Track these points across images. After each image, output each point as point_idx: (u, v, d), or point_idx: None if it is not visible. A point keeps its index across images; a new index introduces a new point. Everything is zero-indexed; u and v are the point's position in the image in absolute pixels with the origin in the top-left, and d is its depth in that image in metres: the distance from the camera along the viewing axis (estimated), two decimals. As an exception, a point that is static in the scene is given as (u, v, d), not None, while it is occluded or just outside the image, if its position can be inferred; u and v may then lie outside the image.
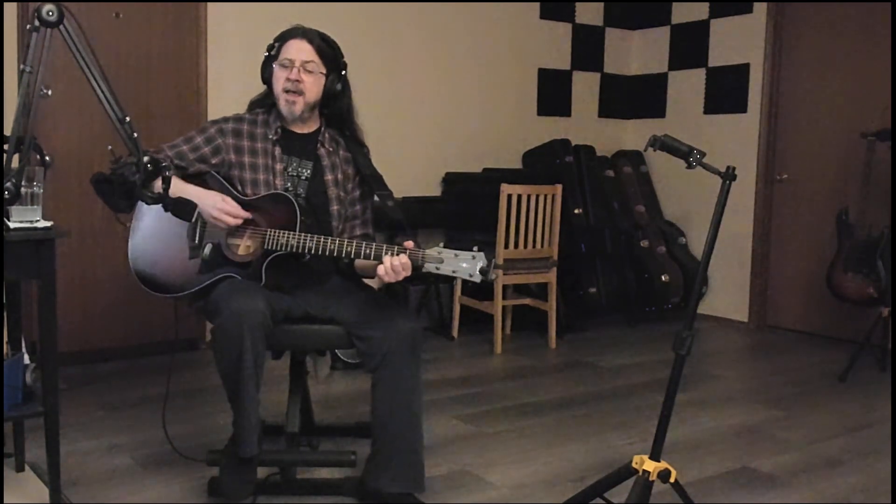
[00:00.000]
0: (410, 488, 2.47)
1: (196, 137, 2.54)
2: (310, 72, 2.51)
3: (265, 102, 2.64)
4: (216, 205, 2.37)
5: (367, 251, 2.30)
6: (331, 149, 2.62)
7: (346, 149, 2.65)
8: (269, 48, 2.57)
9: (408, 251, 2.24)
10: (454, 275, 2.19)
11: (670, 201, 6.01)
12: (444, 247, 2.22)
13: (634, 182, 5.95)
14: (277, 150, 2.56)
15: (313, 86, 2.52)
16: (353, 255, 2.33)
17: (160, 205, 2.08)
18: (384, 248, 2.27)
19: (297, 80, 2.49)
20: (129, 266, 2.52)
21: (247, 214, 2.42)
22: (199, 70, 4.40)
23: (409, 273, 2.24)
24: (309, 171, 2.58)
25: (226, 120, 2.60)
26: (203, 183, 2.50)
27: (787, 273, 5.42)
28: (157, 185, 2.11)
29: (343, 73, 2.58)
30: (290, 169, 2.57)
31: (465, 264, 2.17)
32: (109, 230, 4.05)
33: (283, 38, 2.55)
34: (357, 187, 2.66)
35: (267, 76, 2.57)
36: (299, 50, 2.51)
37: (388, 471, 2.45)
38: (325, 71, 2.53)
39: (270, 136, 2.57)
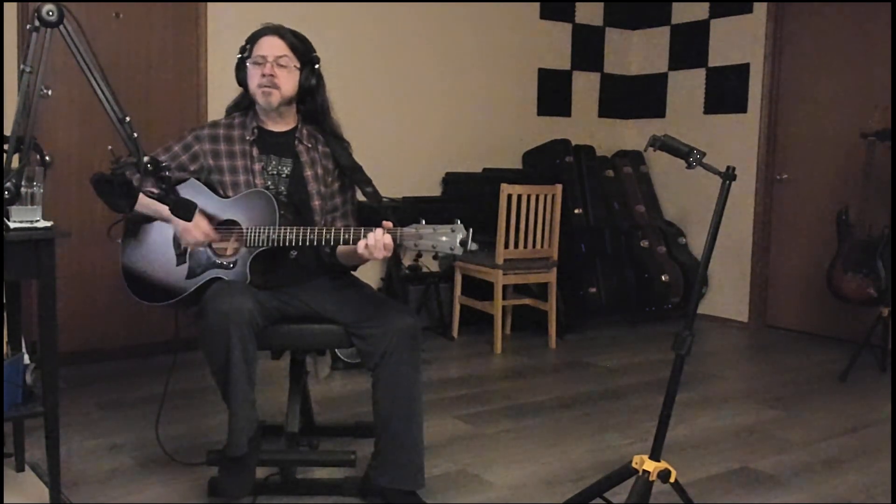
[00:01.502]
0: (411, 485, 2.48)
1: (174, 146, 2.57)
2: (283, 66, 2.52)
3: (241, 105, 2.66)
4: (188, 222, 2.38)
5: (346, 236, 2.29)
6: (309, 145, 2.63)
7: (325, 144, 2.66)
8: (242, 50, 2.59)
9: (385, 230, 2.23)
10: (434, 250, 2.14)
11: (670, 201, 6.01)
12: (425, 223, 2.19)
13: (634, 182, 5.95)
14: (255, 150, 2.58)
15: (288, 80, 2.53)
16: (332, 242, 2.33)
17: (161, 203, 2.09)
18: (362, 230, 2.26)
19: (272, 75, 2.50)
20: (122, 280, 2.55)
21: (216, 237, 2.43)
22: (199, 70, 4.40)
23: (389, 252, 2.22)
24: (289, 169, 2.59)
25: (202, 127, 2.63)
26: (186, 193, 2.51)
27: (787, 273, 5.42)
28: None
29: (316, 67, 2.59)
30: (269, 168, 2.58)
31: (444, 238, 2.14)
32: (109, 230, 4.04)
33: (254, 38, 2.57)
34: (336, 180, 2.67)
35: (242, 76, 2.59)
36: (271, 46, 2.52)
37: (390, 468, 2.46)
38: (298, 65, 2.55)
39: (247, 137, 2.58)
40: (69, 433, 3.06)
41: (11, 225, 2.24)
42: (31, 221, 2.28)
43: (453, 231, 2.13)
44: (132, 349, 4.27)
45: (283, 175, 2.59)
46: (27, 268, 2.26)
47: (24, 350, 2.58)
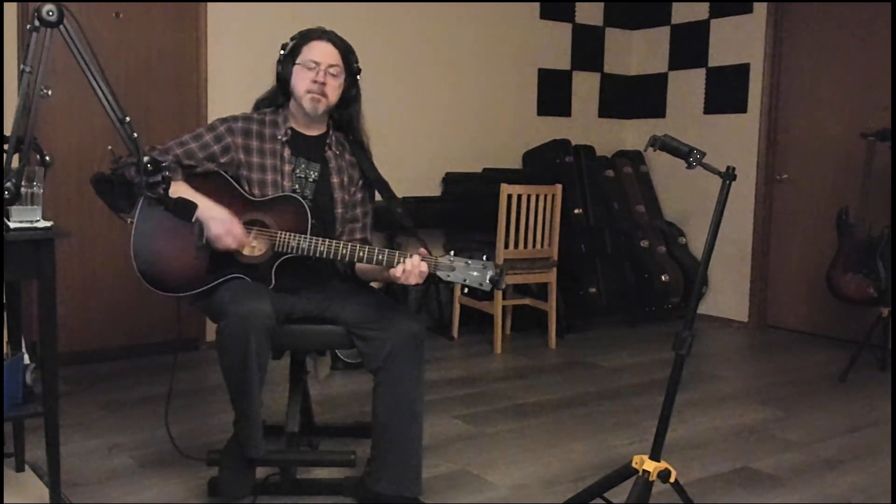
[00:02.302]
0: (411, 492, 2.47)
1: (205, 135, 2.52)
2: (334, 75, 2.51)
3: (273, 101, 2.62)
4: (224, 223, 2.36)
5: (381, 257, 2.31)
6: (337, 152, 2.62)
7: (351, 153, 2.66)
8: (284, 46, 2.55)
9: (421, 258, 2.26)
10: (465, 283, 2.23)
11: (670, 201, 6.01)
12: (455, 254, 2.24)
13: (634, 182, 5.94)
14: (287, 152, 2.56)
15: (336, 89, 2.53)
16: (365, 261, 2.34)
17: (161, 206, 2.08)
18: (397, 254, 2.29)
19: (323, 83, 2.49)
20: (132, 264, 2.50)
21: (249, 242, 2.41)
22: (199, 70, 4.40)
23: (422, 280, 2.26)
24: (316, 174, 2.58)
25: (235, 119, 2.57)
26: (213, 185, 2.49)
27: (787, 273, 5.42)
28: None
29: (357, 77, 2.59)
30: (297, 170, 2.56)
31: (475, 273, 2.21)
32: (109, 230, 4.05)
33: (304, 38, 2.53)
34: (359, 191, 2.66)
35: (285, 75, 2.54)
36: (325, 53, 2.50)
37: (387, 473, 2.45)
38: (345, 74, 2.54)
39: (280, 137, 2.56)
40: (69, 433, 3.06)
41: (11, 225, 2.24)
42: (31, 221, 2.28)
43: (485, 267, 2.21)
44: (132, 349, 4.27)
45: (311, 179, 2.57)
46: (27, 268, 2.26)
47: (24, 350, 2.58)
